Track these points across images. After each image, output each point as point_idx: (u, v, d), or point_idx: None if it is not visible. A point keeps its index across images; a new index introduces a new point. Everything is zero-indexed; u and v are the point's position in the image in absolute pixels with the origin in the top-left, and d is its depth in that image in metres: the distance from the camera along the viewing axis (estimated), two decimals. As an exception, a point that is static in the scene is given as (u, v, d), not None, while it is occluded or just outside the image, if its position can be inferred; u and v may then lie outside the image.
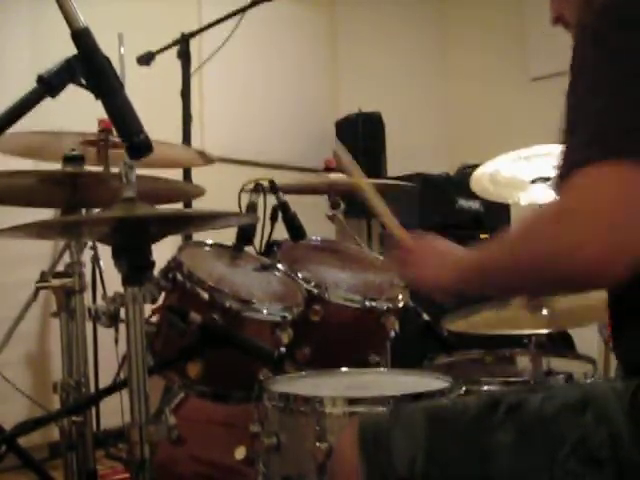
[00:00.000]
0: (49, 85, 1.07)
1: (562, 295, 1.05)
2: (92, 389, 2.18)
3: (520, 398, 1.04)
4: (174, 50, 2.74)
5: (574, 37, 1.21)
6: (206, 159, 2.15)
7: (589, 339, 2.67)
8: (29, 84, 1.09)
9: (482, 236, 3.59)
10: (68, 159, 1.78)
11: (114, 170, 1.99)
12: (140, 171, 1.35)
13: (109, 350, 2.80)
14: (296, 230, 1.97)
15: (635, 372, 0.99)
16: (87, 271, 2.12)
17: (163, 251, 1.45)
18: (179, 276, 1.60)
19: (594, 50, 0.97)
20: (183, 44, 2.72)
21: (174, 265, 1.63)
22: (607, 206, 0.88)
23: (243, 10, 2.73)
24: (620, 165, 0.88)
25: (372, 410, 1.26)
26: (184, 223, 1.58)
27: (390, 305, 1.86)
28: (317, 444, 1.24)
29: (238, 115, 3.88)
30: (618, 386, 0.99)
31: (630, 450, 0.93)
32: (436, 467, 1.03)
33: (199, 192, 2.02)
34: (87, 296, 2.11)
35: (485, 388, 1.60)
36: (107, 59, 1.10)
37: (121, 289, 1.32)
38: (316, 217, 2.36)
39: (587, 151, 0.91)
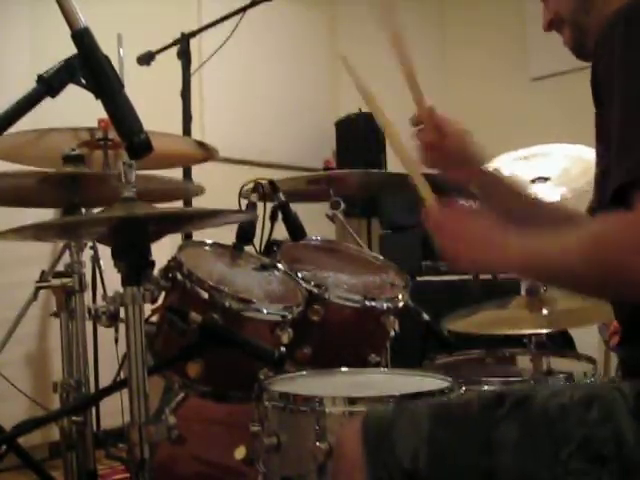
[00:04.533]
0: (49, 85, 1.07)
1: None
2: (92, 389, 2.18)
3: (526, 393, 1.04)
4: (174, 50, 2.74)
5: (571, 37, 1.21)
6: (208, 152, 2.15)
7: (589, 339, 2.67)
8: (29, 84, 1.09)
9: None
10: (68, 159, 1.78)
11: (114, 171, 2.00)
12: (139, 170, 1.35)
13: (109, 350, 2.81)
14: (296, 230, 1.97)
15: (636, 373, 1.00)
16: (87, 271, 2.12)
17: (163, 251, 1.45)
18: (179, 276, 1.60)
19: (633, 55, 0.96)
20: (183, 44, 2.72)
21: (174, 265, 1.62)
22: None
23: (243, 10, 2.73)
24: None
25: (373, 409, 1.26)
26: (184, 221, 1.58)
27: (390, 305, 1.86)
28: (317, 444, 1.24)
29: (238, 115, 3.88)
30: (623, 386, 0.99)
31: (634, 449, 0.93)
32: (439, 460, 1.03)
33: (198, 191, 2.02)
34: (87, 296, 2.11)
35: (485, 388, 1.60)
36: (107, 59, 1.10)
37: (121, 289, 1.32)
38: (316, 217, 2.36)
39: None
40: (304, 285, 1.79)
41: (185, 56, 2.72)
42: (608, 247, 0.94)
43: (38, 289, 2.51)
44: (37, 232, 1.42)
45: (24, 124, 1.14)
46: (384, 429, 1.07)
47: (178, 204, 2.49)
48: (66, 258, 2.03)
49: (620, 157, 0.96)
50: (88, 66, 1.09)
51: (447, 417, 1.07)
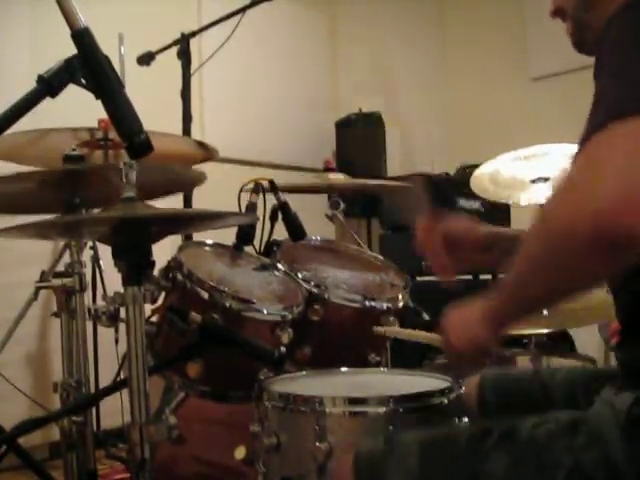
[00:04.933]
0: (49, 85, 1.07)
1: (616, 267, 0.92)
2: (92, 389, 2.18)
3: (512, 424, 1.03)
4: (174, 50, 2.74)
5: (572, 30, 1.21)
6: (208, 152, 2.14)
7: (589, 339, 2.68)
8: (29, 84, 1.09)
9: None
10: (68, 159, 1.78)
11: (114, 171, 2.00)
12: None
13: (109, 350, 2.81)
14: (296, 230, 1.97)
15: (635, 380, 0.99)
16: (87, 271, 2.12)
17: (163, 251, 1.45)
18: (179, 276, 1.60)
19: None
20: (183, 44, 2.72)
21: (174, 265, 1.63)
22: (621, 155, 0.81)
23: (243, 10, 2.73)
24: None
25: (372, 410, 1.26)
26: (184, 223, 1.58)
27: (390, 305, 1.86)
28: (317, 444, 1.24)
29: (238, 115, 3.88)
30: (616, 400, 0.98)
31: (626, 469, 0.92)
32: None
33: (200, 178, 2.00)
34: (87, 296, 2.11)
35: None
36: (107, 59, 1.10)
37: (121, 289, 1.32)
38: (316, 217, 2.36)
39: (616, 107, 0.85)
40: (304, 285, 1.79)
41: (185, 56, 2.72)
42: (551, 213, 0.89)
43: (38, 289, 2.51)
44: (39, 230, 1.42)
45: (24, 124, 1.14)
46: (375, 468, 1.08)
47: (178, 199, 2.48)
48: (66, 258, 2.03)
49: (594, 108, 0.91)
50: (88, 66, 1.09)
51: (436, 453, 1.07)
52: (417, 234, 1.41)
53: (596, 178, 0.82)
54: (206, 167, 2.32)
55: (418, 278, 3.52)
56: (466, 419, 1.24)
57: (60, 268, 2.05)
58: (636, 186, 0.80)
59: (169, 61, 2.74)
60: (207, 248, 1.87)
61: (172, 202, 2.05)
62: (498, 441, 1.00)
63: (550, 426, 0.99)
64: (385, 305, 1.85)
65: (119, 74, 1.11)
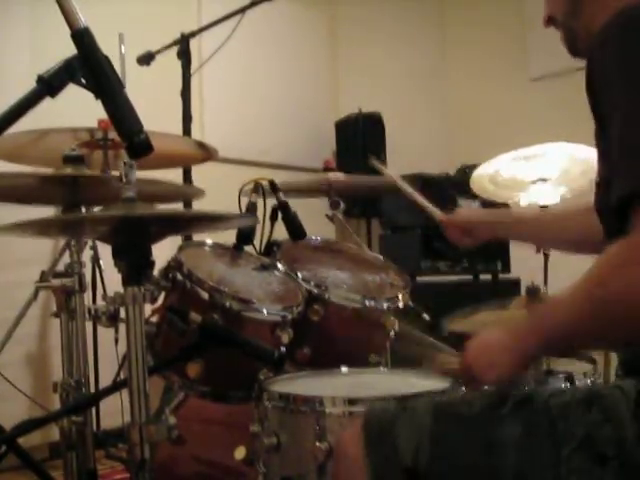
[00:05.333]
0: (49, 85, 1.07)
1: None
2: (92, 389, 2.18)
3: (528, 393, 1.04)
4: (174, 50, 2.74)
5: (564, 37, 1.23)
6: (208, 153, 2.15)
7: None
8: (29, 84, 1.09)
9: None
10: (68, 159, 1.78)
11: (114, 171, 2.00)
12: (140, 171, 1.35)
13: (109, 350, 2.81)
14: (296, 230, 1.97)
15: (636, 373, 1.00)
16: (87, 271, 2.12)
17: (163, 251, 1.45)
18: (179, 276, 1.60)
19: (622, 70, 0.97)
20: (183, 44, 2.72)
21: (174, 265, 1.62)
22: None
23: (243, 10, 2.73)
24: None
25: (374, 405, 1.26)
26: (184, 224, 1.58)
27: (390, 305, 1.86)
28: (317, 444, 1.24)
29: (238, 115, 3.88)
30: (624, 385, 0.99)
31: (634, 448, 0.93)
32: (441, 457, 1.03)
33: (198, 194, 2.02)
34: (87, 296, 2.11)
35: (485, 388, 1.60)
36: (107, 59, 1.10)
37: (121, 289, 1.32)
38: (316, 217, 2.36)
39: None
40: (304, 285, 1.79)
41: (185, 56, 2.72)
42: (613, 279, 0.93)
43: (38, 289, 2.51)
44: (40, 228, 1.42)
45: (24, 124, 1.14)
46: (385, 426, 1.07)
47: (178, 206, 2.49)
48: (66, 258, 2.03)
49: (620, 170, 0.97)
50: (88, 66, 1.08)
51: (449, 415, 1.07)
52: (443, 225, 1.83)
53: None
54: (206, 167, 2.33)
55: (418, 278, 3.53)
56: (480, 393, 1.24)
57: (60, 268, 2.05)
58: None
59: (169, 61, 2.74)
60: (207, 248, 1.87)
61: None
62: (513, 408, 1.01)
63: (566, 398, 1.00)
64: (385, 305, 1.85)
65: (119, 74, 1.11)
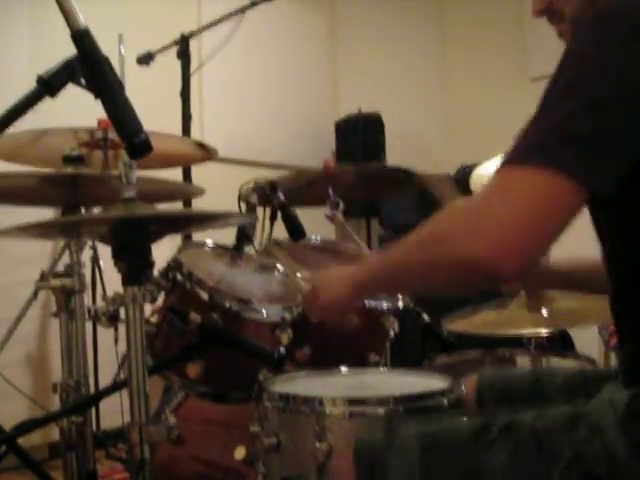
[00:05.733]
0: (49, 85, 1.07)
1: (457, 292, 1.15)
2: (92, 389, 2.18)
3: (511, 418, 1.03)
4: (174, 50, 2.74)
5: (565, 33, 1.21)
6: (208, 152, 2.14)
7: (589, 339, 2.68)
8: (29, 84, 1.09)
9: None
10: (68, 159, 1.78)
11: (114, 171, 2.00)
12: (140, 170, 1.35)
13: (109, 350, 2.81)
14: (296, 230, 1.97)
15: (633, 381, 0.99)
16: (87, 271, 2.12)
17: (163, 251, 1.45)
18: (179, 276, 1.60)
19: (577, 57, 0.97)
20: (183, 44, 2.73)
21: (174, 265, 1.62)
22: (507, 207, 0.91)
23: (243, 10, 2.73)
24: (543, 171, 0.90)
25: (372, 410, 1.26)
26: (183, 223, 1.58)
27: (390, 305, 1.85)
28: (317, 444, 1.24)
29: (238, 115, 3.88)
30: (613, 397, 0.98)
31: (626, 462, 0.92)
32: None
33: (198, 192, 2.02)
34: (87, 296, 2.11)
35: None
36: (107, 59, 1.10)
37: (121, 289, 1.32)
38: (316, 217, 2.36)
39: (520, 154, 0.95)
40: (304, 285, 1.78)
41: (185, 56, 2.73)
42: (440, 232, 0.99)
43: (38, 289, 2.51)
44: (40, 230, 1.42)
45: (24, 124, 1.14)
46: (376, 461, 1.08)
47: (177, 205, 2.49)
48: (66, 258, 2.03)
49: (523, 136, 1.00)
50: (88, 66, 1.08)
51: (436, 444, 1.07)
52: None
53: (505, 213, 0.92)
54: (206, 167, 2.33)
55: (418, 278, 3.52)
56: (465, 419, 1.25)
57: (60, 268, 2.05)
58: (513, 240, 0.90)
59: (169, 61, 2.74)
60: (207, 248, 1.87)
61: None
62: (499, 433, 1.01)
63: (550, 419, 1.00)
64: (385, 305, 1.85)
65: (119, 74, 1.11)
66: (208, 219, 1.53)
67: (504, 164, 0.95)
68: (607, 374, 1.25)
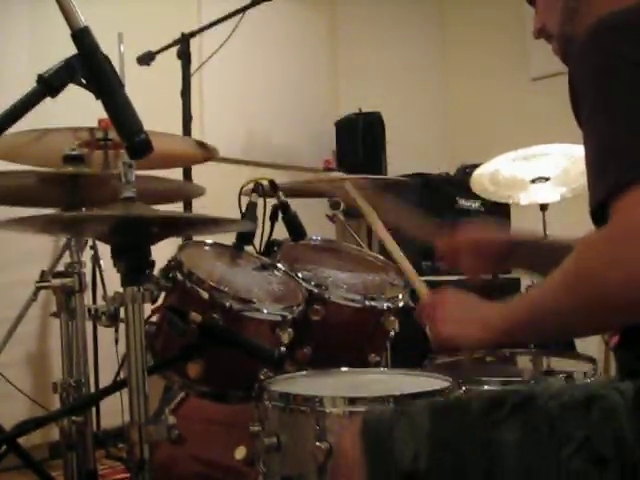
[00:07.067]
0: (49, 85, 1.07)
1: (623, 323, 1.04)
2: (92, 389, 2.18)
3: (525, 396, 1.04)
4: (174, 50, 2.74)
5: (559, 49, 1.23)
6: (208, 152, 2.14)
7: (589, 339, 2.67)
8: (29, 84, 1.09)
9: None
10: (68, 159, 1.78)
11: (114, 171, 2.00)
12: (140, 170, 1.36)
13: (109, 350, 2.81)
14: (296, 230, 1.97)
15: (633, 375, 1.00)
16: (87, 271, 2.11)
17: (163, 251, 1.45)
18: (179, 276, 1.60)
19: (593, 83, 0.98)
20: (183, 44, 2.73)
21: (174, 265, 1.62)
22: None
23: (243, 10, 2.73)
24: None
25: (372, 410, 1.26)
26: (184, 226, 1.58)
27: (390, 305, 1.86)
28: (317, 444, 1.24)
29: (238, 115, 3.88)
30: (622, 386, 0.99)
31: (633, 449, 0.93)
32: (439, 462, 1.02)
33: (199, 192, 2.02)
34: (87, 296, 2.10)
35: (485, 388, 1.60)
36: (107, 59, 1.10)
37: (121, 289, 1.32)
38: (316, 217, 2.36)
39: (626, 175, 0.92)
40: (304, 285, 1.79)
41: (185, 56, 2.73)
42: (588, 270, 0.94)
43: (38, 289, 2.51)
44: (40, 224, 1.42)
45: (24, 124, 1.14)
46: (384, 430, 1.07)
47: (178, 205, 2.49)
48: (66, 258, 2.04)
49: (594, 181, 1.00)
50: (88, 66, 1.08)
51: (447, 418, 1.07)
52: (438, 247, 1.55)
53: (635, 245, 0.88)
54: (206, 167, 2.33)
55: (418, 278, 3.52)
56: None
57: (60, 268, 2.05)
58: None
59: (169, 61, 2.74)
60: (207, 248, 1.87)
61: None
62: (512, 410, 1.01)
63: (564, 399, 1.00)
64: (385, 305, 1.85)
65: (119, 74, 1.11)
66: (208, 224, 1.52)
67: (621, 186, 0.93)
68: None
